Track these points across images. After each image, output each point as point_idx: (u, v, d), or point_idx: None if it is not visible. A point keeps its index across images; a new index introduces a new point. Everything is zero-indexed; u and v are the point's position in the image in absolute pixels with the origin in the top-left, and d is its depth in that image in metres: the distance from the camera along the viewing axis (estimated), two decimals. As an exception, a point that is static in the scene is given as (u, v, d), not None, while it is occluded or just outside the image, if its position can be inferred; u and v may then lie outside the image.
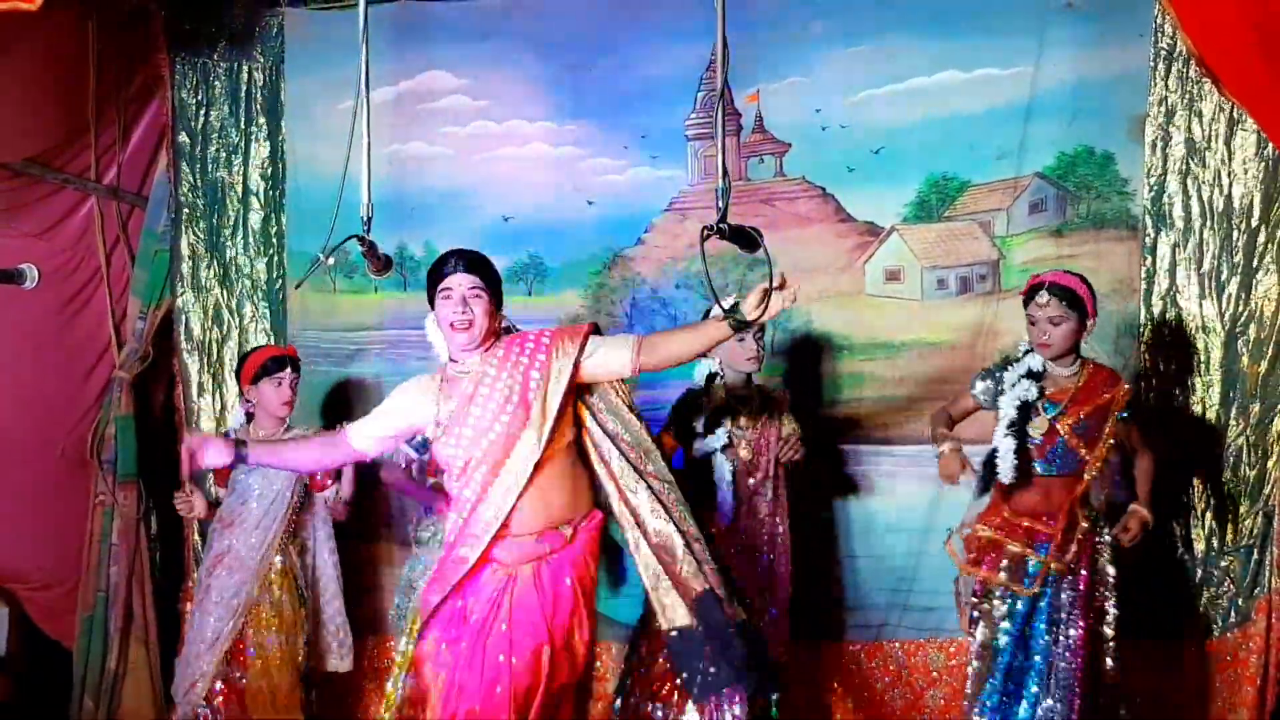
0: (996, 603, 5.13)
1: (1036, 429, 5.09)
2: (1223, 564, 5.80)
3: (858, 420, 6.18)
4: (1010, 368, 5.20)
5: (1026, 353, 5.19)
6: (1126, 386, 5.16)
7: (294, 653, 5.84)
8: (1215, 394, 5.81)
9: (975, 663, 5.16)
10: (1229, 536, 5.81)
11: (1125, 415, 5.11)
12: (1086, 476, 5.06)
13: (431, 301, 4.42)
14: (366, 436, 4.56)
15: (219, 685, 5.70)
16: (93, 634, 6.47)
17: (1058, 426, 5.07)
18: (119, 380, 6.51)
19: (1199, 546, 5.84)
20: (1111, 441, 5.11)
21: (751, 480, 5.54)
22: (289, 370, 5.82)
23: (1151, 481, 5.22)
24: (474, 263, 4.38)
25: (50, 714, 6.49)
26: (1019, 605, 5.08)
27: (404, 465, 5.87)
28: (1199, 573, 5.84)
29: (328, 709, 6.22)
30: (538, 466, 4.25)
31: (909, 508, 6.14)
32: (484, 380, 4.34)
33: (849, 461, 6.20)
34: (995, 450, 5.12)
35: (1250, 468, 5.77)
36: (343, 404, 6.57)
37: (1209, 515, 5.83)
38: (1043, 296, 5.03)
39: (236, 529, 5.78)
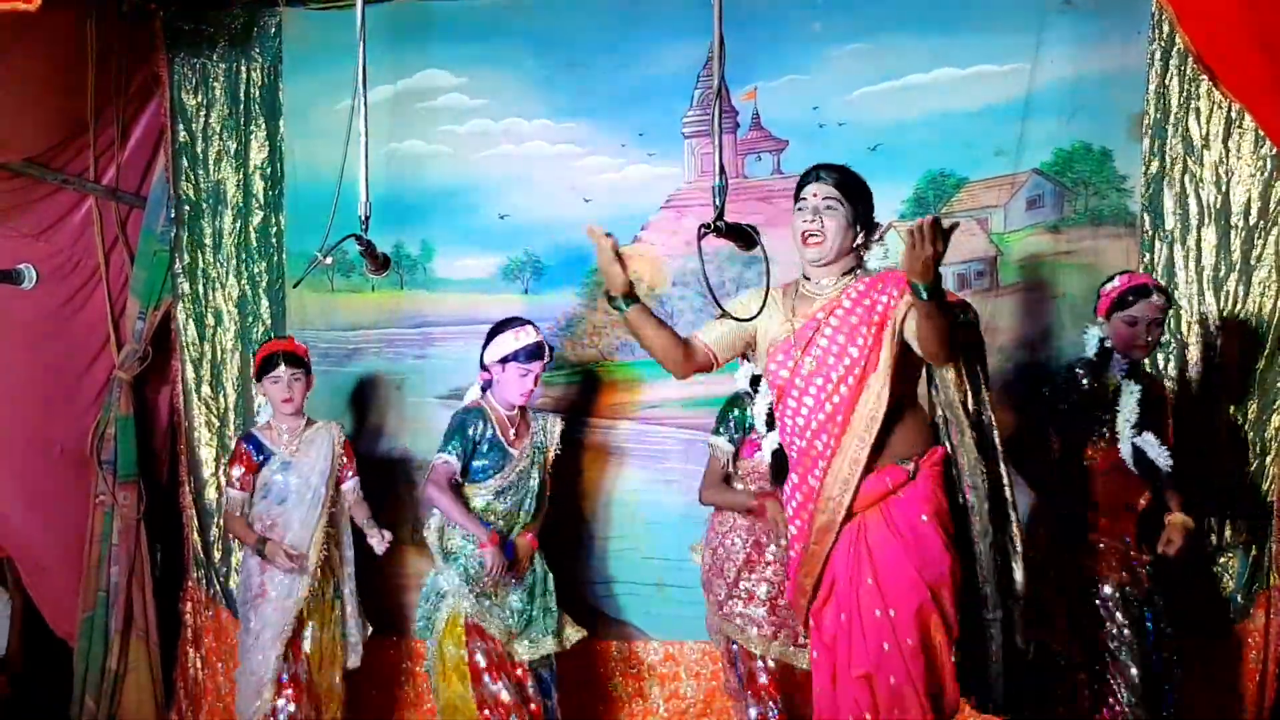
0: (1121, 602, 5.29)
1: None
2: (1221, 560, 5.81)
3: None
4: (1105, 372, 5.33)
5: (1102, 355, 5.32)
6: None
7: (335, 647, 5.89)
8: (1213, 390, 5.81)
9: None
10: (1227, 533, 5.81)
11: None
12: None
13: None
14: (714, 340, 4.40)
15: (284, 679, 5.73)
16: (93, 633, 6.48)
17: None
18: (118, 381, 6.52)
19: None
20: None
21: None
22: (283, 366, 5.78)
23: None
24: (835, 172, 4.28)
25: (51, 713, 6.50)
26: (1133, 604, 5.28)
27: (446, 478, 5.59)
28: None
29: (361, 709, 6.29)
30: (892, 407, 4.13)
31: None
32: (836, 311, 4.21)
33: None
34: (1139, 451, 5.26)
35: (1249, 464, 5.78)
36: (344, 402, 6.60)
37: (1208, 512, 5.83)
38: (1159, 299, 5.19)
39: (280, 530, 5.78)
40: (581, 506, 6.42)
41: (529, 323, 5.65)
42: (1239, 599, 5.76)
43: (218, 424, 6.73)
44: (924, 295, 3.72)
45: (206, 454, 6.73)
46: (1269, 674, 5.69)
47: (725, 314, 4.15)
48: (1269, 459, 5.72)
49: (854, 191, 4.28)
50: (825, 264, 4.29)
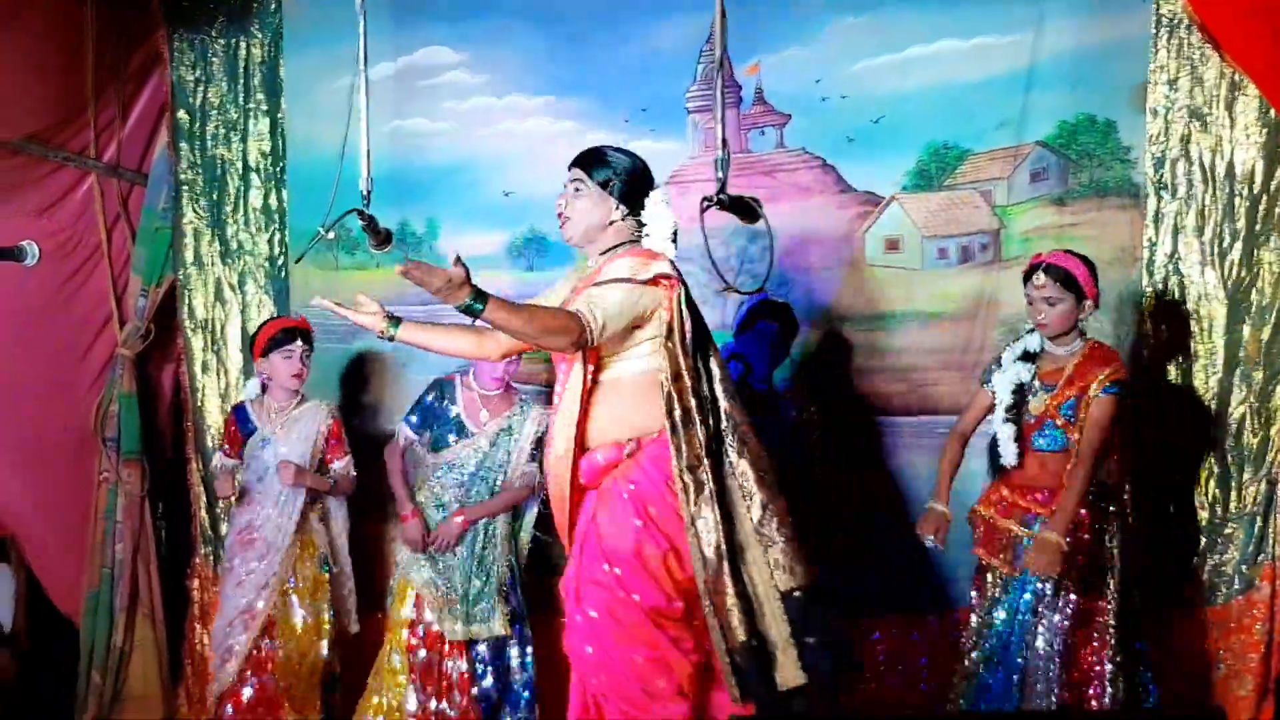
0: (991, 581, 5.24)
1: (1034, 409, 5.16)
2: (1226, 531, 5.81)
3: (857, 392, 6.17)
4: (1009, 348, 5.26)
5: (1029, 332, 5.24)
6: (1113, 369, 5.03)
7: (320, 621, 5.88)
8: (1218, 361, 5.79)
9: (973, 641, 5.26)
10: (1233, 504, 5.81)
11: (1104, 394, 4.99)
12: (1073, 453, 5.07)
13: None
14: None
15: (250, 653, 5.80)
16: (99, 611, 6.49)
17: (1048, 406, 5.12)
18: (121, 358, 6.52)
19: (1203, 514, 5.84)
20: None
21: None
22: (299, 342, 5.83)
23: (1077, 498, 4.96)
24: (582, 154, 4.28)
25: (57, 690, 6.51)
26: (1012, 585, 5.14)
27: (402, 445, 5.92)
28: (1202, 540, 5.84)
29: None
30: (596, 385, 4.13)
31: (910, 479, 6.15)
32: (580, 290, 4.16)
33: (850, 433, 6.20)
34: (997, 438, 5.23)
35: (1253, 435, 5.76)
36: (350, 379, 6.60)
37: (1212, 483, 5.83)
38: (1039, 278, 5.06)
39: (256, 506, 5.85)
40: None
41: None
42: (1244, 569, 5.76)
43: (221, 400, 6.72)
44: (477, 310, 3.76)
45: (212, 430, 6.71)
46: (1274, 645, 5.69)
47: (729, 287, 4.15)
48: (1274, 429, 5.71)
49: (600, 171, 4.24)
50: (579, 244, 4.34)
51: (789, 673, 3.99)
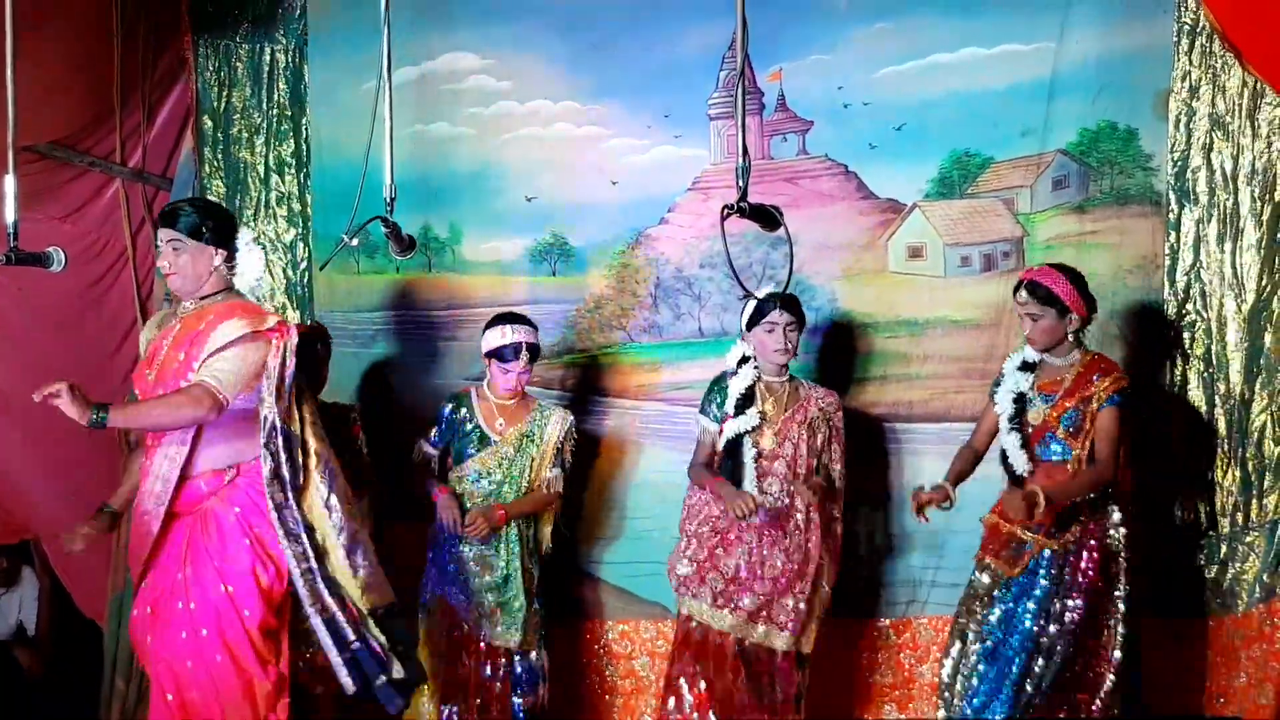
0: (985, 581, 5.26)
1: (1034, 419, 5.21)
2: (1247, 540, 5.79)
3: (881, 398, 6.18)
4: (1009, 359, 5.33)
5: (1027, 344, 5.27)
6: (1113, 380, 5.13)
7: None
8: (1239, 370, 5.79)
9: (956, 645, 5.31)
10: (1253, 512, 5.80)
11: (1107, 406, 5.09)
12: (1073, 465, 5.13)
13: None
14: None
15: None
16: (123, 614, 6.48)
17: (1048, 417, 5.16)
18: (145, 362, 6.54)
19: (1223, 522, 5.83)
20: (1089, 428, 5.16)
21: (775, 465, 5.59)
22: (316, 346, 5.79)
23: (1077, 488, 5.07)
24: (174, 217, 4.59)
25: (81, 692, 6.53)
26: (1013, 587, 5.17)
27: (419, 458, 5.93)
28: (1223, 549, 5.83)
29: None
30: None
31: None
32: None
33: (874, 439, 6.20)
34: (1004, 448, 5.26)
35: (1274, 443, 5.75)
36: (370, 384, 6.62)
37: (1233, 491, 5.82)
38: (1021, 294, 5.16)
39: None
40: (608, 488, 6.43)
41: (520, 321, 5.73)
42: (1265, 578, 5.74)
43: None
44: (103, 421, 4.26)
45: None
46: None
47: (750, 294, 4.17)
48: (1296, 437, 5.72)
49: (197, 228, 4.59)
50: (190, 295, 4.66)
51: (396, 669, 4.57)
